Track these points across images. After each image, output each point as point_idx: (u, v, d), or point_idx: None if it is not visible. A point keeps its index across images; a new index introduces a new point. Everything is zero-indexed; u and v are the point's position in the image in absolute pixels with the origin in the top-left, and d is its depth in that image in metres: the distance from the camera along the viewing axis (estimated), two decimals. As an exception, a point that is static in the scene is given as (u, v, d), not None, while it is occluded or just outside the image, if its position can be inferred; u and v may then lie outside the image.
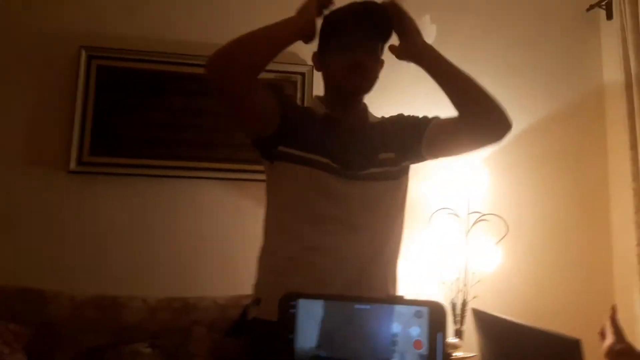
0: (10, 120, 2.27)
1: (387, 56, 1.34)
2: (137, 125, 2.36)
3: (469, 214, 2.36)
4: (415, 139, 1.34)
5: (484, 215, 2.34)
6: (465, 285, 2.29)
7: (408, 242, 2.39)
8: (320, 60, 1.32)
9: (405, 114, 1.43)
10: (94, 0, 2.38)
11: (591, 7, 2.71)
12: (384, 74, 1.34)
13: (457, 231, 2.35)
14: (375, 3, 1.23)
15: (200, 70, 2.39)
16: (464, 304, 2.28)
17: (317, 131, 1.26)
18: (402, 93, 2.48)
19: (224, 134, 2.39)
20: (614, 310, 1.76)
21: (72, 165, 2.27)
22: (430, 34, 2.43)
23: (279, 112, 1.23)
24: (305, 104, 1.41)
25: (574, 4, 2.75)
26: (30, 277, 2.09)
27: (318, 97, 1.37)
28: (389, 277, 1.34)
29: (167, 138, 2.37)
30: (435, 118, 1.37)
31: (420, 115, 1.40)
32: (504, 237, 2.31)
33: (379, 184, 1.28)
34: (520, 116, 2.60)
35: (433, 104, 1.38)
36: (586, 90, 2.70)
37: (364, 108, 1.37)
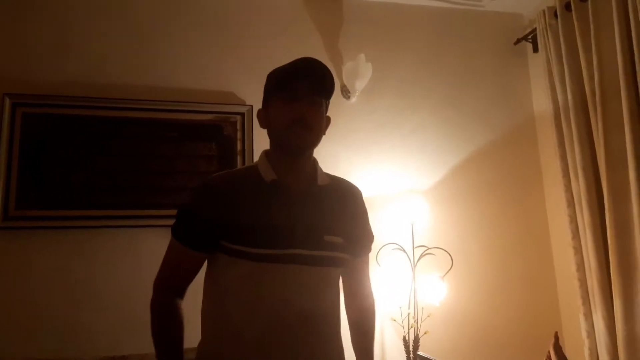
0: None
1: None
2: (65, 174, 2.24)
3: (414, 247, 2.37)
4: (361, 245, 1.40)
5: (429, 249, 2.35)
6: (415, 321, 2.27)
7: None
8: (264, 116, 1.31)
9: (358, 201, 1.42)
10: (18, 46, 2.27)
11: (518, 40, 2.84)
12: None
13: (404, 266, 2.35)
14: (317, 60, 1.24)
15: (131, 114, 2.40)
16: (417, 340, 2.26)
17: (261, 208, 1.23)
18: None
19: (161, 177, 2.31)
20: (556, 338, 1.79)
21: (-3, 221, 2.12)
22: (365, 72, 2.48)
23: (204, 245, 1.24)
24: (255, 162, 1.35)
25: (502, 38, 2.87)
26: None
27: (266, 154, 1.32)
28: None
29: (101, 185, 2.26)
30: (364, 258, 1.45)
31: (367, 234, 1.44)
32: (449, 270, 2.32)
33: (320, 270, 1.26)
34: (457, 147, 2.67)
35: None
36: (519, 120, 2.80)
37: (314, 165, 1.34)
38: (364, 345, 1.45)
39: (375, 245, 2.34)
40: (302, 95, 1.23)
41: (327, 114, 1.33)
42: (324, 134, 1.31)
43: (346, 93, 2.57)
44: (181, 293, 1.28)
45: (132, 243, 2.23)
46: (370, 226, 1.45)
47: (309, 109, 1.23)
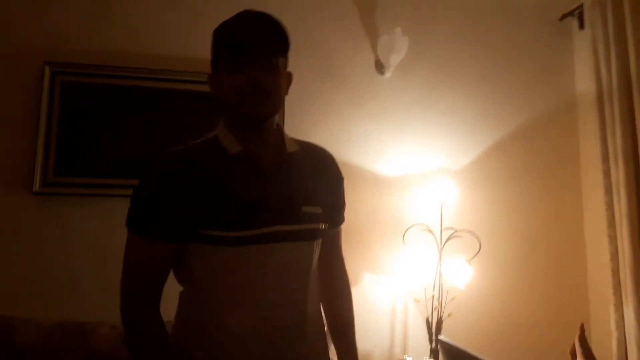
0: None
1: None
2: (103, 143, 2.29)
3: (442, 230, 2.34)
4: (338, 214, 1.31)
5: (458, 231, 2.32)
6: (439, 303, 2.27)
7: (381, 259, 2.42)
8: (214, 82, 1.13)
9: (330, 166, 1.29)
10: (57, 15, 2.29)
11: (564, 16, 2.70)
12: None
13: (431, 248, 2.33)
14: (264, 13, 1.09)
15: (167, 85, 2.42)
16: (439, 322, 2.27)
17: (230, 185, 1.08)
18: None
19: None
20: (581, 330, 1.76)
21: (36, 186, 2.20)
22: (401, 46, 2.42)
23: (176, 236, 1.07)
24: (213, 133, 1.18)
25: (547, 13, 2.73)
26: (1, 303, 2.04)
27: (225, 124, 1.16)
28: (316, 344, 1.22)
29: (135, 155, 2.31)
30: (338, 229, 1.34)
31: (342, 202, 1.32)
32: (477, 254, 2.29)
33: (302, 245, 1.14)
34: (492, 128, 2.60)
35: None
36: (559, 101, 2.69)
37: (279, 130, 1.19)
38: (345, 337, 1.33)
39: (402, 225, 2.37)
40: (253, 59, 1.05)
41: (288, 70, 1.16)
42: (286, 93, 1.17)
43: (380, 68, 2.51)
44: (158, 300, 1.11)
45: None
46: (344, 193, 1.32)
47: (262, 73, 1.06)
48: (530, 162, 2.61)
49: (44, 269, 2.17)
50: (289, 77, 1.18)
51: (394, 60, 2.43)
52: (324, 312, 1.30)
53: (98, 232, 2.23)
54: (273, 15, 1.09)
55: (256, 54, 1.06)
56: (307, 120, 2.40)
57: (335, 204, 1.27)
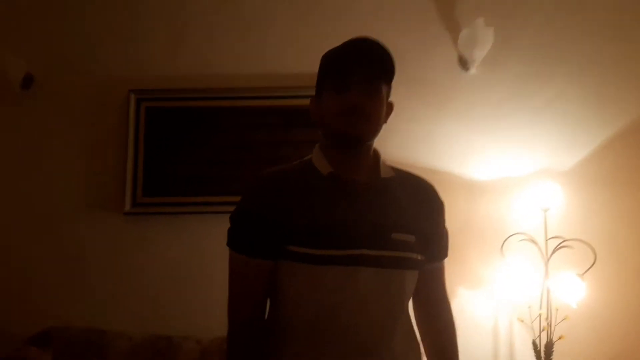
0: (70, 166, 2.34)
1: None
2: (187, 163, 2.35)
3: (547, 239, 2.05)
4: (438, 246, 1.21)
5: (566, 240, 2.01)
6: (548, 323, 1.97)
7: (478, 272, 2.17)
8: (316, 107, 1.15)
9: (431, 196, 1.21)
10: (139, 44, 2.41)
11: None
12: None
13: (535, 260, 2.05)
14: (372, 39, 1.07)
15: (246, 103, 2.43)
16: (549, 345, 1.97)
17: (319, 205, 1.08)
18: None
19: (268, 163, 2.29)
20: None
21: (127, 207, 2.30)
22: (485, 38, 2.18)
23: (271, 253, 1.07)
24: (308, 156, 1.19)
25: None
26: (93, 317, 2.16)
27: (320, 147, 1.17)
28: None
29: (217, 174, 2.34)
30: (440, 264, 1.24)
31: (444, 234, 1.23)
32: (591, 266, 1.96)
33: (391, 274, 1.07)
34: (604, 121, 2.26)
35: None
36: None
37: (375, 156, 1.17)
38: None
39: (500, 235, 2.11)
40: (356, 82, 1.05)
41: (390, 100, 1.15)
42: (385, 122, 1.14)
43: (464, 64, 2.29)
44: (263, 318, 1.12)
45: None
46: (445, 224, 1.24)
47: (362, 98, 1.05)
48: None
49: (134, 285, 2.26)
50: (390, 107, 1.16)
51: (478, 54, 2.21)
52: (428, 353, 1.23)
53: (184, 248, 2.28)
54: (381, 43, 1.08)
55: (360, 79, 1.06)
56: (384, 129, 2.23)
57: (433, 234, 1.18)
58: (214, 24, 2.41)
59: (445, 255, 1.24)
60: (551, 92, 2.29)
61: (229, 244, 1.10)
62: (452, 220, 2.15)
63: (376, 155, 1.17)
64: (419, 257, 1.12)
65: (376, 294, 1.05)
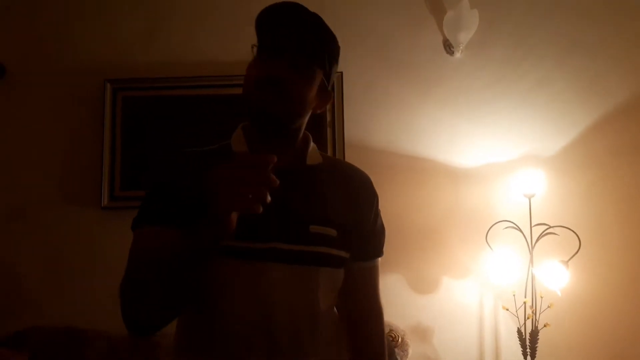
0: (45, 159, 2.28)
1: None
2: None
3: (532, 226, 2.02)
4: (365, 243, 1.08)
5: (551, 227, 1.98)
6: (533, 311, 1.95)
7: (462, 261, 2.15)
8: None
9: (363, 188, 1.09)
10: (114, 32, 2.32)
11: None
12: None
13: (520, 247, 2.02)
14: (317, 16, 0.95)
15: (227, 91, 2.36)
16: (535, 333, 1.95)
17: None
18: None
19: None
20: None
21: (105, 201, 2.24)
22: (470, 21, 2.12)
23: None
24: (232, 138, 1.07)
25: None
26: (73, 315, 2.10)
27: (242, 127, 1.06)
28: None
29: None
30: (370, 264, 1.11)
31: (376, 231, 1.11)
32: (575, 253, 1.93)
33: (305, 272, 0.96)
34: (591, 104, 2.22)
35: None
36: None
37: (304, 141, 1.05)
38: None
39: (484, 223, 2.08)
40: (281, 54, 0.92)
41: (329, 90, 1.01)
42: (316, 112, 1.01)
43: (449, 48, 2.23)
44: None
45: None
46: (382, 222, 1.11)
47: (284, 70, 0.91)
48: (642, 141, 2.17)
49: (114, 282, 2.18)
50: (326, 96, 1.02)
51: (463, 37, 2.15)
52: None
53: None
54: (315, 14, 0.95)
55: (288, 53, 0.92)
56: (367, 114, 2.20)
57: (361, 229, 1.06)
58: (192, 10, 2.33)
59: (376, 254, 1.12)
60: (536, 77, 2.24)
61: (139, 218, 0.96)
62: (437, 209, 2.17)
63: (306, 140, 1.06)
64: (341, 254, 1.01)
65: (287, 293, 0.94)
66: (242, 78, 2.32)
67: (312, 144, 1.06)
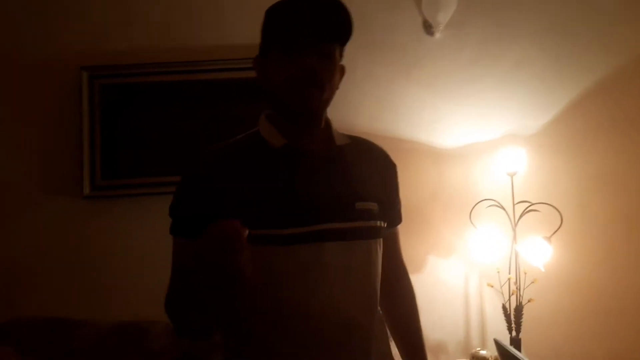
0: (24, 150, 2.22)
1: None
2: (147, 142, 2.25)
3: (515, 204, 2.04)
4: (395, 211, 1.17)
5: (533, 204, 2.01)
6: (517, 287, 1.99)
7: (447, 240, 2.17)
8: (262, 68, 1.03)
9: (385, 161, 1.16)
10: (89, 18, 2.26)
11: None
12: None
13: (503, 225, 2.05)
14: None
15: (208, 76, 2.33)
16: (519, 309, 1.98)
17: (276, 181, 0.99)
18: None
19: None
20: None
21: (86, 190, 2.20)
22: (449, 1, 2.12)
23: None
24: (255, 128, 1.08)
25: None
26: (56, 306, 2.07)
27: (267, 118, 1.06)
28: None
29: (180, 152, 2.24)
30: (395, 230, 1.20)
31: (398, 199, 1.19)
32: (557, 229, 1.97)
33: (360, 245, 1.01)
34: (571, 81, 2.24)
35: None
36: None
37: (327, 123, 1.09)
38: (411, 341, 1.19)
39: (468, 202, 2.10)
40: (309, 45, 0.94)
41: (342, 63, 1.04)
42: (338, 87, 1.03)
43: (429, 28, 2.23)
44: None
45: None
46: (398, 188, 1.19)
47: (316, 62, 0.94)
48: (621, 116, 2.21)
49: (99, 271, 2.18)
50: (342, 71, 1.06)
51: (442, 17, 2.15)
52: (389, 330, 1.22)
53: (149, 231, 2.19)
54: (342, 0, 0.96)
55: (314, 42, 0.94)
56: (350, 95, 2.19)
57: (391, 200, 1.14)
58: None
59: (400, 220, 1.20)
60: (516, 56, 2.25)
61: (171, 230, 1.01)
62: (421, 189, 2.18)
63: (327, 122, 1.09)
64: (383, 225, 1.07)
65: (348, 271, 0.98)
66: (221, 62, 2.29)
67: (333, 125, 1.09)
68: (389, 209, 1.11)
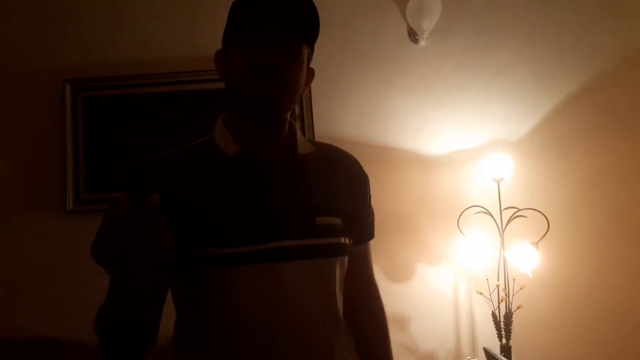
0: (6, 164, 2.19)
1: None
2: (132, 155, 2.23)
3: (502, 210, 2.04)
4: (363, 227, 1.07)
5: (520, 210, 2.01)
6: (506, 294, 1.98)
7: (435, 247, 2.16)
8: (222, 63, 0.96)
9: (353, 170, 1.07)
10: (73, 31, 2.25)
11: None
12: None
13: (491, 231, 2.04)
14: None
15: (192, 87, 2.32)
16: (509, 316, 1.98)
17: (227, 193, 0.90)
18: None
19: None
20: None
21: (70, 205, 2.18)
22: (433, 8, 2.13)
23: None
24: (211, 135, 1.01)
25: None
26: (41, 325, 2.04)
27: (223, 121, 0.99)
28: None
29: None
30: (366, 246, 1.12)
31: (369, 213, 1.10)
32: (544, 235, 1.97)
33: (320, 264, 0.93)
34: (554, 87, 2.25)
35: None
36: (636, 45, 2.26)
37: (291, 130, 1.00)
38: None
39: (455, 209, 2.09)
40: (270, 37, 0.88)
41: (311, 66, 0.98)
42: (304, 91, 0.98)
43: (413, 36, 2.24)
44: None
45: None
46: (370, 201, 1.10)
47: (279, 57, 0.88)
48: (605, 122, 2.21)
49: (84, 289, 2.13)
50: (310, 75, 0.99)
51: (427, 25, 2.15)
52: (358, 344, 1.09)
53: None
54: None
55: (276, 36, 0.88)
56: (335, 104, 2.18)
57: (358, 214, 1.04)
58: (154, 5, 2.27)
59: (371, 236, 1.11)
60: (501, 61, 2.26)
61: (91, 252, 0.82)
62: (408, 197, 2.17)
63: (292, 128, 1.00)
64: (347, 241, 0.99)
65: (304, 290, 0.91)
66: (205, 73, 2.28)
67: (299, 132, 1.02)
68: (357, 224, 1.03)
